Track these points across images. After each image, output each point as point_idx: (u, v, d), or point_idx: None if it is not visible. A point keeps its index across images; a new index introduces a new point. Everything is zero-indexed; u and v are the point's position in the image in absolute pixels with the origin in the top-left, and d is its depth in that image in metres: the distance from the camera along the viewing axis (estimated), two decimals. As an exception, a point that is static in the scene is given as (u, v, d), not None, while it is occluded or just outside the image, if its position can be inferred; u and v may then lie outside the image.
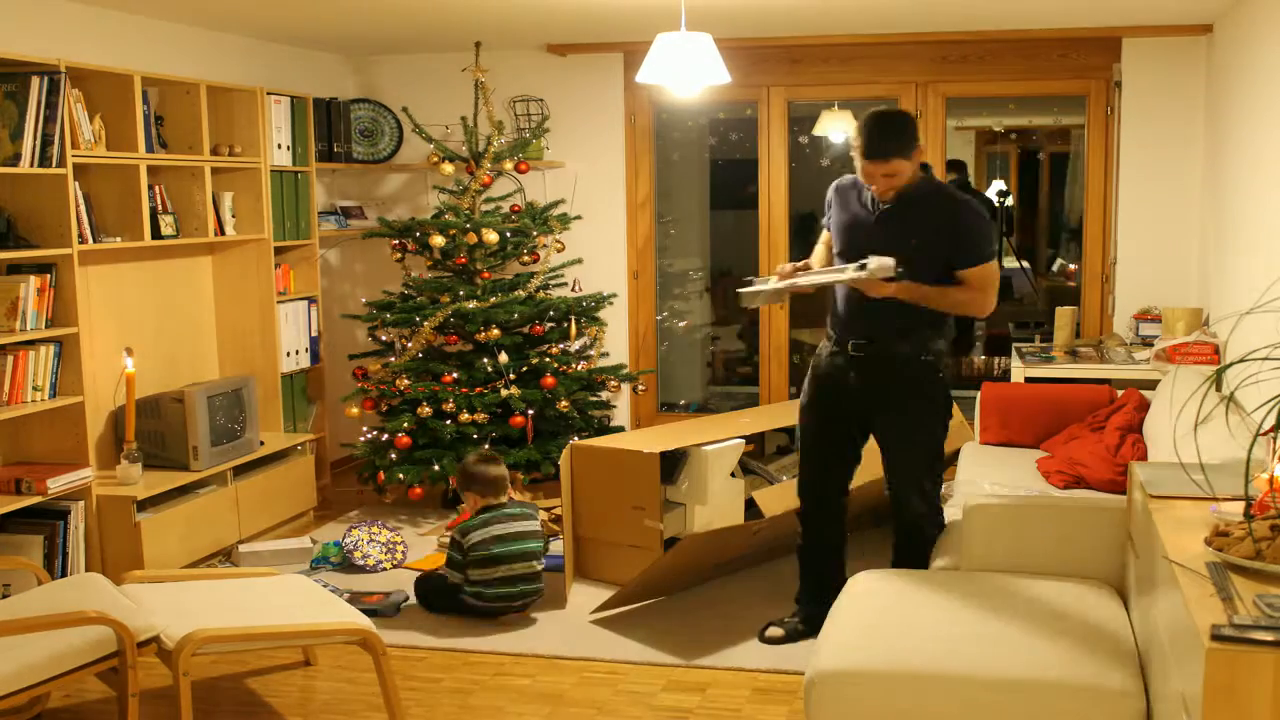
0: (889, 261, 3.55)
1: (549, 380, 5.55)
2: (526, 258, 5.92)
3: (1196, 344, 5.08)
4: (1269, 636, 1.96)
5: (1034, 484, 4.54)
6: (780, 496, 4.47)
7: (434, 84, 6.46)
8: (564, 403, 5.59)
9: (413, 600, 4.49)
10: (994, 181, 9.00)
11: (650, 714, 3.57)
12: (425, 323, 5.56)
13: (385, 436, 5.53)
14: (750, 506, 4.63)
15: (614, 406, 6.20)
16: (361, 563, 4.80)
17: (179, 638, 3.19)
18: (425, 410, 5.41)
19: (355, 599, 4.42)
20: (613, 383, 5.93)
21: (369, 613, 4.31)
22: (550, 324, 5.81)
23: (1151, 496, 2.84)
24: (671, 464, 4.61)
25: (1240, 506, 2.55)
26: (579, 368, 5.76)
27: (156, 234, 4.95)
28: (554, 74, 6.39)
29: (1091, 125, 5.98)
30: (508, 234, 5.73)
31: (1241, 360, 2.60)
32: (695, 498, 4.59)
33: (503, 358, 5.55)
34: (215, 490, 5.02)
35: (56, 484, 4.35)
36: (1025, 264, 8.94)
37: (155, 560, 4.62)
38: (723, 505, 4.61)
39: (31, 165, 4.26)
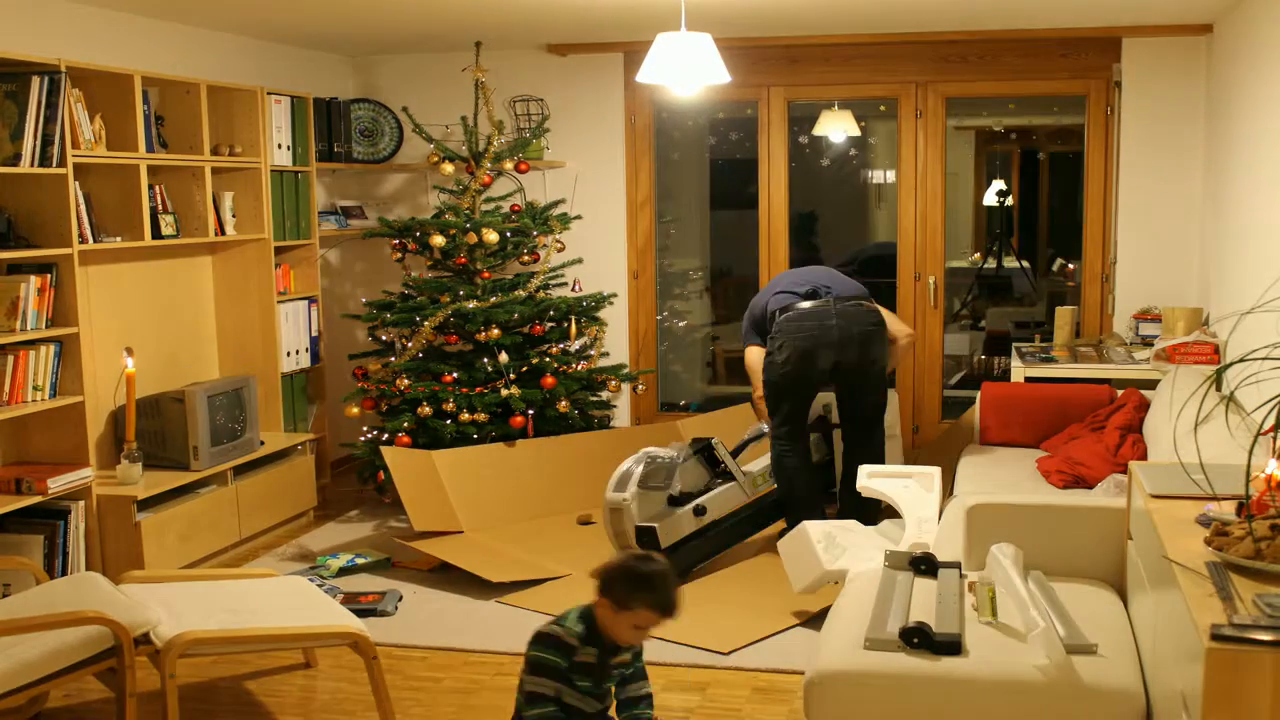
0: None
1: (549, 380, 5.55)
2: (526, 257, 5.92)
3: (1196, 344, 5.08)
4: (1269, 636, 1.96)
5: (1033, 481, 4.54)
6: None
7: (434, 84, 6.47)
8: (564, 403, 5.59)
9: (410, 599, 4.49)
10: (994, 181, 9.00)
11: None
12: (425, 322, 5.56)
13: (385, 436, 5.53)
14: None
15: (614, 406, 6.19)
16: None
17: (167, 639, 3.20)
18: (425, 410, 5.40)
19: (351, 599, 4.42)
20: (613, 383, 5.93)
21: (366, 612, 4.32)
22: (550, 324, 5.81)
23: (1152, 496, 2.84)
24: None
25: (1231, 506, 2.55)
26: (579, 368, 5.76)
27: (157, 234, 4.95)
28: (554, 74, 6.39)
29: (1091, 125, 5.98)
30: (508, 234, 5.73)
31: (1241, 360, 2.60)
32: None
33: (503, 357, 5.55)
34: (215, 490, 5.02)
35: (56, 484, 4.35)
36: (1025, 264, 8.94)
37: (155, 560, 4.62)
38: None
39: (32, 165, 4.26)
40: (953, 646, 2.79)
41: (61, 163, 4.35)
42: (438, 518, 5.10)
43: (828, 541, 4.09)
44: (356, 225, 6.41)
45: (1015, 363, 5.49)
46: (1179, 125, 5.77)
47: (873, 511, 4.84)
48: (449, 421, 5.42)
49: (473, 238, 5.59)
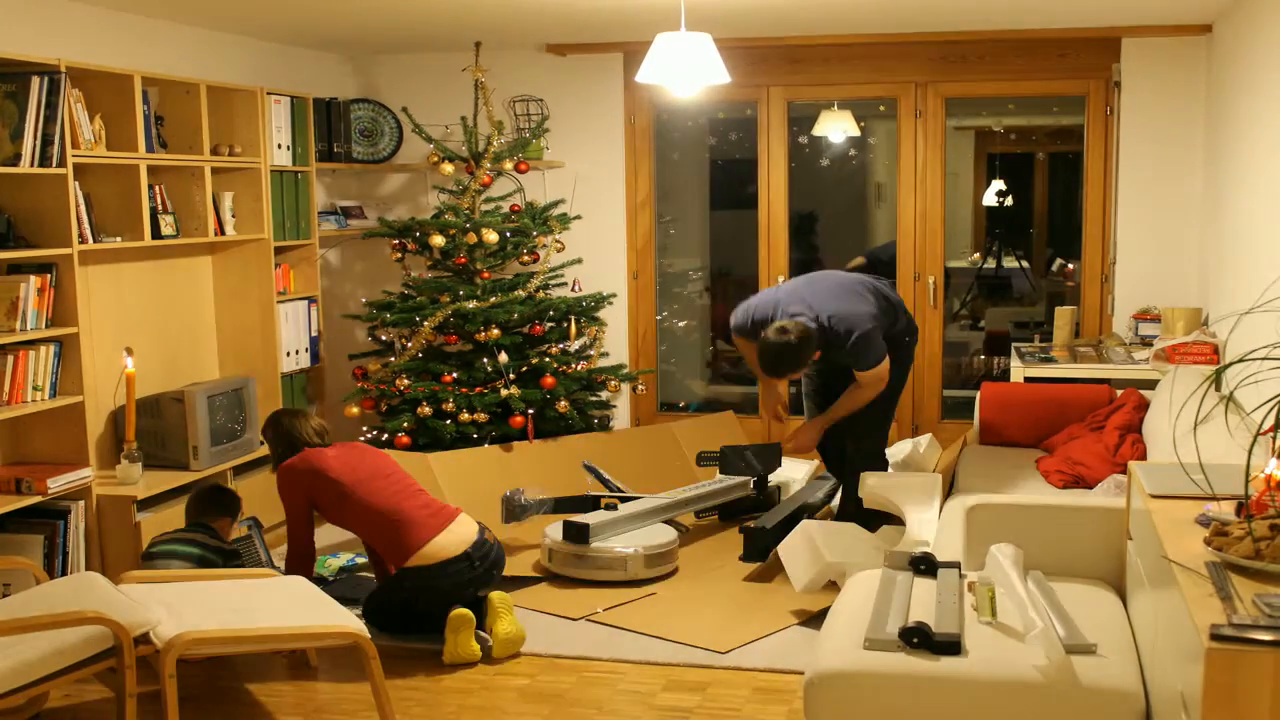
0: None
1: (549, 380, 5.55)
2: (526, 258, 5.93)
3: (1196, 344, 5.08)
4: (1268, 636, 1.97)
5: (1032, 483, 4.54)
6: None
7: (434, 84, 6.47)
8: (563, 403, 5.59)
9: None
10: (993, 181, 9.00)
11: (650, 714, 3.57)
12: (425, 323, 5.56)
13: (385, 436, 5.53)
14: None
15: (614, 407, 6.20)
16: None
17: (167, 639, 3.20)
18: (425, 410, 5.41)
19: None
20: (612, 383, 5.93)
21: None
22: (550, 324, 5.81)
23: (1151, 496, 2.84)
24: None
25: (1230, 506, 2.56)
26: (579, 368, 5.76)
27: (156, 234, 4.95)
28: (554, 74, 6.39)
29: (1091, 125, 5.98)
30: (508, 234, 5.73)
31: (1241, 360, 2.60)
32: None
33: (503, 358, 5.55)
34: (215, 490, 5.02)
35: (56, 484, 4.35)
36: (1025, 263, 8.94)
37: (155, 560, 4.62)
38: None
39: (31, 165, 4.26)
40: (952, 646, 2.79)
41: (61, 163, 4.35)
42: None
43: (825, 538, 4.09)
44: (356, 225, 6.41)
45: (1015, 362, 5.49)
46: (1178, 125, 5.78)
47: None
48: (449, 422, 5.43)
49: (472, 238, 5.59)
